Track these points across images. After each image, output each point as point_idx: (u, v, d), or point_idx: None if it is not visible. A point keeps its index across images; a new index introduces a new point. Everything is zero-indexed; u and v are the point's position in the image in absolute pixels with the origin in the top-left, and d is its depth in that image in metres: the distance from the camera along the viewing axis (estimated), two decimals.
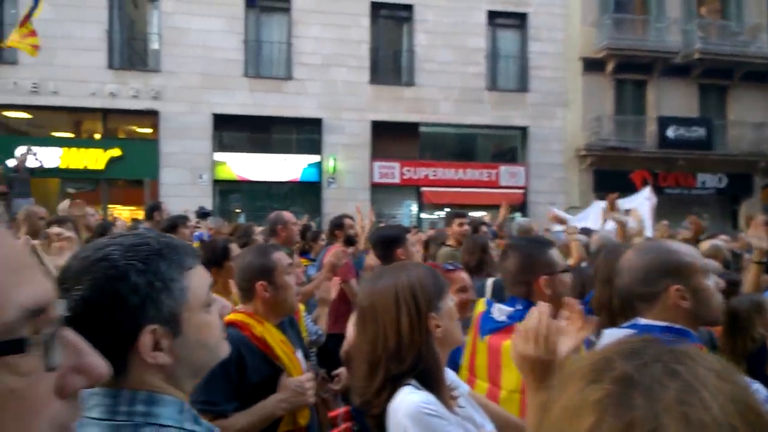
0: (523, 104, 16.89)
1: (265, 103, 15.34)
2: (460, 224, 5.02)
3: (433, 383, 1.44)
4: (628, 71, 17.54)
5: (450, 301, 1.55)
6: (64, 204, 5.33)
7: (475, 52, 16.51)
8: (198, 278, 1.09)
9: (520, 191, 16.89)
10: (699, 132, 17.59)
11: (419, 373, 1.43)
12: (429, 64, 16.19)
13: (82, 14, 14.33)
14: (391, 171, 16.32)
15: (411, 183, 16.57)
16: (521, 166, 17.18)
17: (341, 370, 2.93)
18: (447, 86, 16.20)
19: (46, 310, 0.48)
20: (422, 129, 16.65)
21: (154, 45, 15.36)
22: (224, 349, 1.16)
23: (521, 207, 16.71)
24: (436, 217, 17.31)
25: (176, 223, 4.96)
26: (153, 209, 5.82)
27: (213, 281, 1.19)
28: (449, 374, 1.59)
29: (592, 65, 17.28)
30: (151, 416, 0.99)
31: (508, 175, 17.04)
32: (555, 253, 2.12)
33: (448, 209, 17.26)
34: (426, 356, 1.44)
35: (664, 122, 17.45)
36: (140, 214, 12.61)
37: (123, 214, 14.24)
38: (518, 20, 17.17)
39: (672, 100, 17.76)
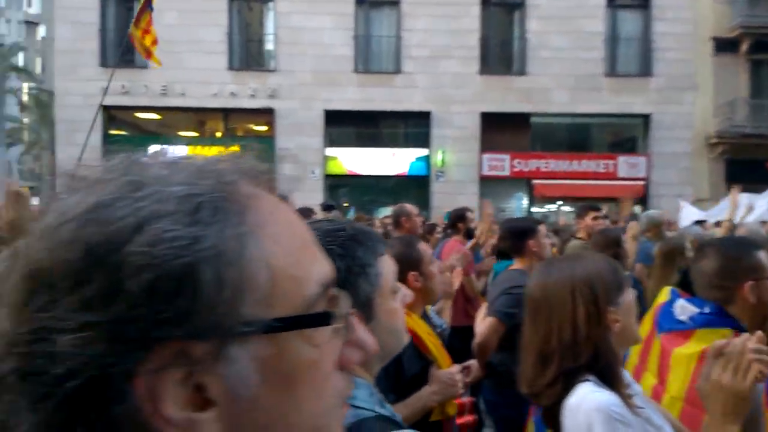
0: (646, 90, 15.72)
1: (374, 97, 15.52)
2: (595, 218, 4.74)
3: (612, 380, 1.39)
4: (764, 51, 15.82)
5: (630, 296, 1.48)
6: None
7: (593, 36, 15.59)
8: (387, 265, 1.13)
9: (641, 183, 15.79)
10: None
11: (597, 370, 1.38)
12: (542, 52, 15.53)
13: (204, 18, 15.29)
14: (501, 163, 15.90)
15: (521, 175, 16.05)
16: (642, 156, 16.03)
17: (472, 363, 2.88)
18: (561, 74, 15.44)
19: (330, 286, 0.50)
20: (534, 120, 16.05)
21: (270, 45, 16.07)
22: (407, 337, 1.19)
23: (642, 199, 15.61)
24: (547, 210, 16.69)
25: (303, 215, 5.07)
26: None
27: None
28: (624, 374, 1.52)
29: (724, 45, 15.77)
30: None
31: (627, 166, 15.99)
32: (764, 256, 1.85)
33: (560, 202, 16.62)
34: (604, 352, 1.39)
35: None
36: None
37: None
38: (640, 0, 16.02)
39: None
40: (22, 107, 29.44)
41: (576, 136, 16.92)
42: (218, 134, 16.60)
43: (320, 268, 0.50)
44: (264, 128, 16.40)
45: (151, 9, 9.16)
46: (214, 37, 15.37)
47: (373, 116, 15.91)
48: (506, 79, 15.79)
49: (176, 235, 0.41)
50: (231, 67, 15.65)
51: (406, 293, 1.19)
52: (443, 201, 14.74)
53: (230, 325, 0.42)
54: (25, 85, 29.71)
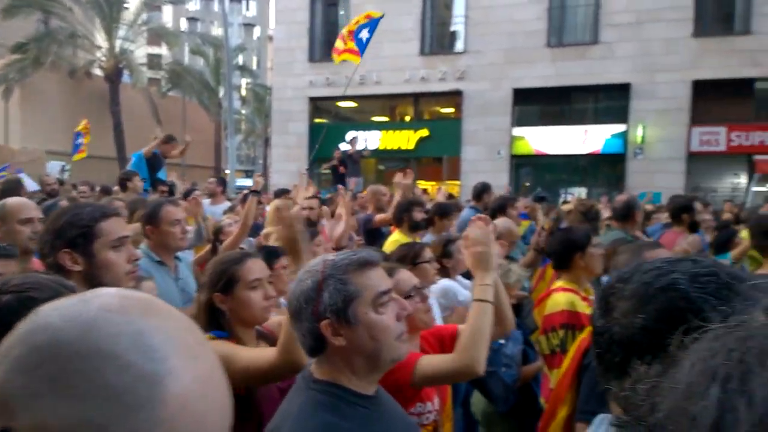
0: None
1: (567, 72, 14.75)
2: None
3: None
4: None
5: None
6: (399, 177, 5.85)
7: None
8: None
9: None
10: None
11: None
12: None
13: (400, 7, 15.76)
14: (715, 137, 14.07)
15: (740, 151, 14.05)
16: None
17: None
18: None
19: None
20: (759, 86, 13.86)
21: (460, 27, 16.11)
22: None
23: None
24: None
25: (505, 204, 5.00)
26: (482, 191, 5.95)
27: None
28: None
29: None
30: None
31: None
32: None
33: None
34: None
35: None
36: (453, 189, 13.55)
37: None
38: None
39: None
40: (242, 101, 33.73)
41: None
42: (407, 118, 17.24)
43: None
44: (451, 110, 16.62)
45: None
46: (408, 25, 15.88)
47: (565, 92, 15.15)
48: (726, 41, 13.82)
49: None
50: (422, 53, 16.07)
51: None
52: (640, 180, 13.61)
53: None
54: (244, 81, 33.94)
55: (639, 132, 14.37)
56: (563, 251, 2.98)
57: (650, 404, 0.44)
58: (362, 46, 9.52)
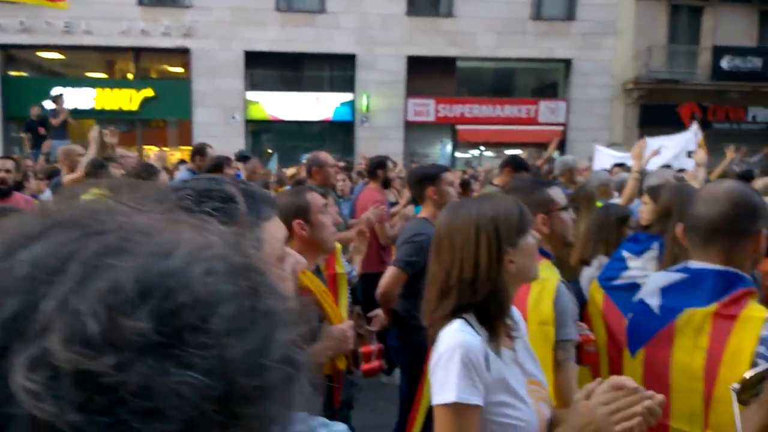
0: (568, 34, 15.94)
1: (296, 38, 14.88)
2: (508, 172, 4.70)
3: (494, 319, 1.44)
4: None
5: (531, 238, 1.52)
6: (95, 131, 5.21)
7: None
8: (273, 231, 1.01)
9: (560, 128, 16.26)
10: (755, 63, 16.46)
11: (482, 306, 1.44)
12: None
13: None
14: (426, 109, 15.87)
15: (446, 121, 16.13)
16: (562, 101, 16.46)
17: (378, 312, 3.07)
18: (488, 17, 15.32)
19: None
20: (459, 64, 15.99)
21: None
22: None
23: (560, 145, 16.15)
24: (471, 155, 16.98)
25: (221, 163, 4.88)
26: (197, 153, 5.70)
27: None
28: (514, 313, 1.55)
29: None
30: None
31: (547, 111, 16.39)
32: (554, 192, 2.19)
33: (483, 147, 16.94)
34: (498, 291, 1.44)
35: (718, 52, 16.34)
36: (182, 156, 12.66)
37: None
38: None
39: (729, 28, 16.52)
40: None
41: (500, 82, 17.11)
42: (129, 76, 15.52)
43: None
44: (180, 70, 15.47)
45: None
46: None
47: (296, 58, 15.33)
48: (434, 21, 15.53)
49: None
50: (141, 3, 14.47)
51: (298, 260, 1.09)
52: (367, 147, 14.58)
53: None
54: None
55: (364, 101, 15.37)
56: None
57: None
58: None
